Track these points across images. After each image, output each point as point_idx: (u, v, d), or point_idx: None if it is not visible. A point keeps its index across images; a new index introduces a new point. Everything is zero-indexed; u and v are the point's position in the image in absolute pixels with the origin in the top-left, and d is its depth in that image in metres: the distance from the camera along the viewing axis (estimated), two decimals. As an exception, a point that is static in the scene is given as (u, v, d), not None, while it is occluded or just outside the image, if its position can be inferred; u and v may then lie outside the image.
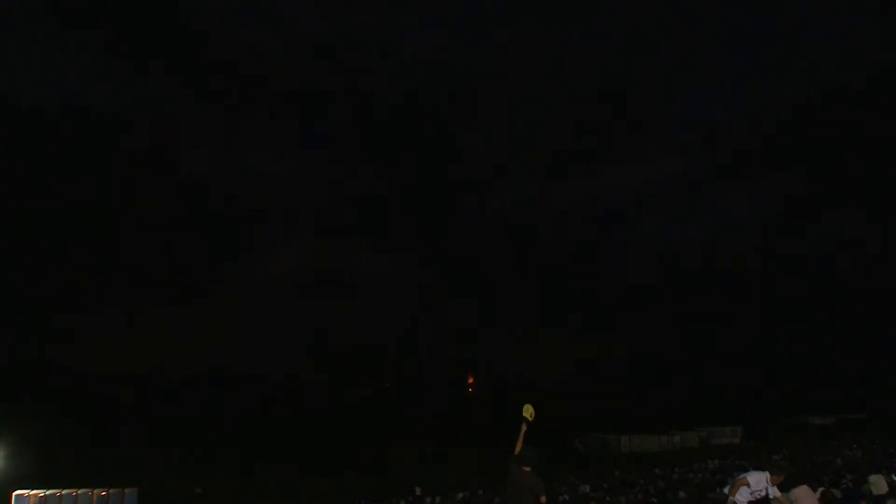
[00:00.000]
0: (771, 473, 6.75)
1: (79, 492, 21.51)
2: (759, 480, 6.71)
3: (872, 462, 17.51)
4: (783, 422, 49.42)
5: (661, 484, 22.85)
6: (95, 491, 21.73)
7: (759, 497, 6.66)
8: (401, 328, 68.13)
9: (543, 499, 5.83)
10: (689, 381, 54.39)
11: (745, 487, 6.67)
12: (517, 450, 5.96)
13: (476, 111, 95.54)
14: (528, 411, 6.09)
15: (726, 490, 7.10)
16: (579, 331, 67.16)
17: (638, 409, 51.39)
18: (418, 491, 26.49)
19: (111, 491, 22.07)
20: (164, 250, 66.15)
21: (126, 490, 22.40)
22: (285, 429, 48.99)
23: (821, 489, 8.65)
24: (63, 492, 21.32)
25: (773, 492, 6.69)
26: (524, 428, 6.07)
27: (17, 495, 20.81)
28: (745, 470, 9.05)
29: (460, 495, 25.55)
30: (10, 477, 24.90)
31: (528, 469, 5.89)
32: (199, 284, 65.42)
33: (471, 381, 64.16)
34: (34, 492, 21.06)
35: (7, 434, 29.36)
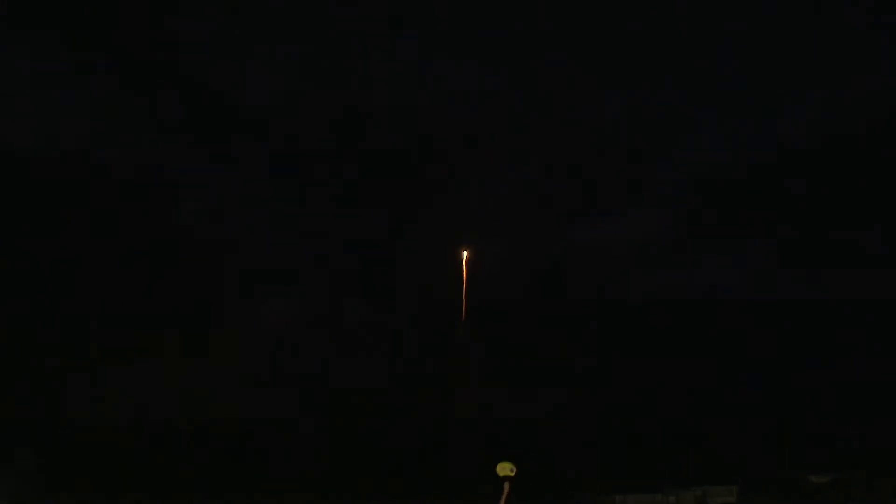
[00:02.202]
0: None
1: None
2: None
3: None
4: (779, 480, 48.69)
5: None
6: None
7: None
8: (392, 375, 66.76)
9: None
10: (684, 437, 53.69)
11: None
12: None
13: (467, 160, 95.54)
14: (504, 470, 5.71)
15: None
16: (571, 384, 66.11)
17: (631, 467, 50.66)
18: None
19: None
20: (159, 295, 65.32)
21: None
22: (281, 477, 48.73)
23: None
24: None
25: None
26: (507, 488, 5.70)
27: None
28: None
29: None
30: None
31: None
32: (196, 332, 64.65)
33: (466, 256, 61.85)
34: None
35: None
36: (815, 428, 55.02)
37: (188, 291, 66.55)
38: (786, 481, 48.71)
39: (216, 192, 79.83)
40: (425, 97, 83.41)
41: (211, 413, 61.37)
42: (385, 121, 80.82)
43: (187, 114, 76.30)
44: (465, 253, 62.78)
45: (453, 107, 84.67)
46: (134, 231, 68.99)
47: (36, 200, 61.75)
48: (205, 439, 59.64)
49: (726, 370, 62.68)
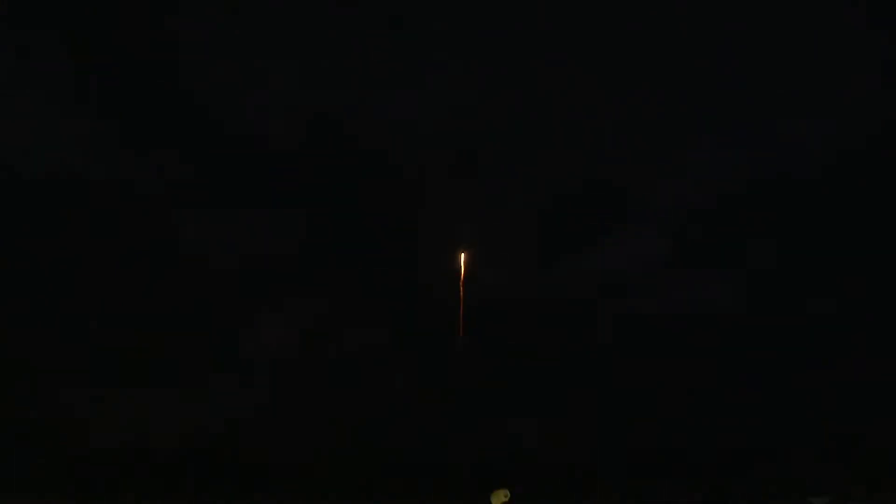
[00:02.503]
0: None
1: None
2: None
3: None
4: (778, 502, 48.46)
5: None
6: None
7: None
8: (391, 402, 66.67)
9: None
10: (680, 461, 53.57)
11: None
12: None
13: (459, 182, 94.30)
14: (498, 498, 5.53)
15: None
16: (566, 411, 65.70)
17: (629, 490, 50.64)
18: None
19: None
20: (154, 325, 65.28)
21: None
22: (281, 479, 49.13)
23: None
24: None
25: None
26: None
27: None
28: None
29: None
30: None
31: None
32: (194, 334, 64.66)
33: (462, 259, 61.77)
34: None
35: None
36: (815, 447, 54.87)
37: (186, 296, 66.54)
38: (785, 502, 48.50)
39: (214, 193, 79.70)
40: (425, 97, 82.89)
41: (209, 415, 61.60)
42: (384, 121, 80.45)
43: (186, 115, 76.07)
44: (462, 255, 62.28)
45: (453, 108, 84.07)
46: (132, 235, 68.90)
47: (30, 205, 61.68)
48: (204, 441, 59.84)
49: (727, 387, 62.30)
